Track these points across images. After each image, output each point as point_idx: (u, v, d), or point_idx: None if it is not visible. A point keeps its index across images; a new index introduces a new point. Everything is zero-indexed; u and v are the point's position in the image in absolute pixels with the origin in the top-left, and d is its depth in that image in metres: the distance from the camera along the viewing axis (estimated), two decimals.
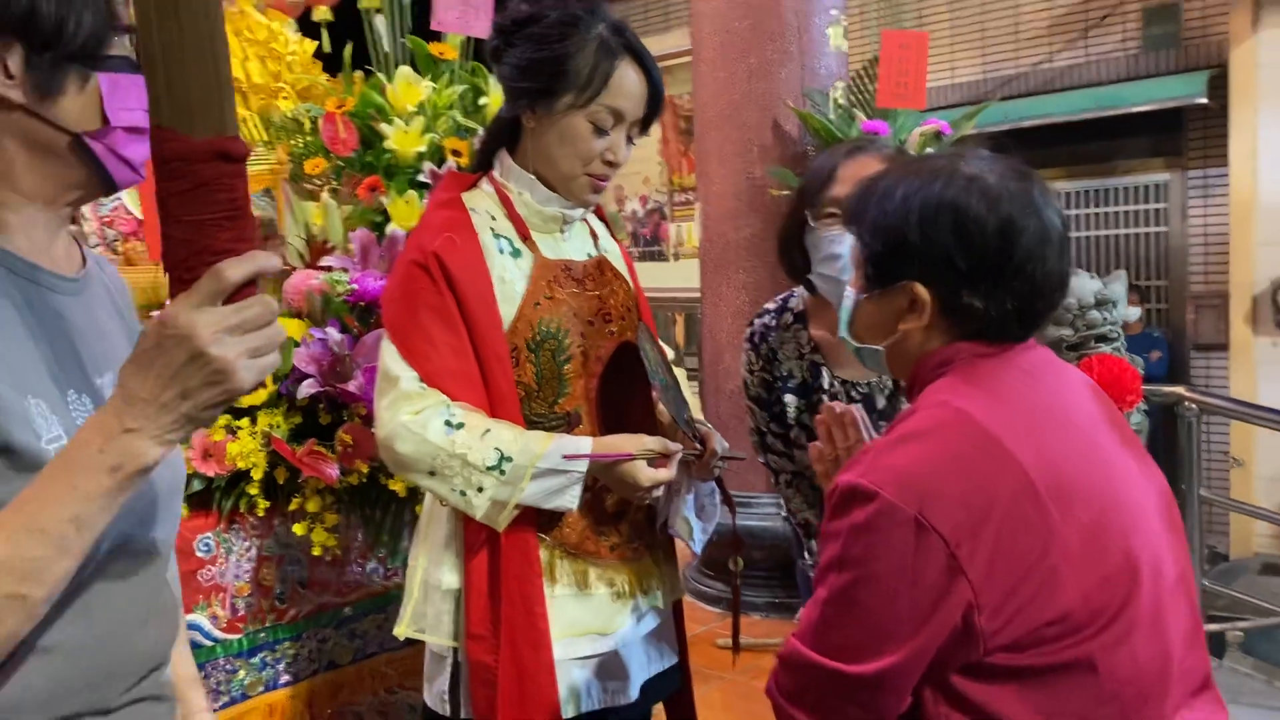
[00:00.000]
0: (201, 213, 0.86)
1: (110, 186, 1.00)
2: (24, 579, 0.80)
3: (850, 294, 1.29)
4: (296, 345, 1.91)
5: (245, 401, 1.85)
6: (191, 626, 1.86)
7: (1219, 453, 5.62)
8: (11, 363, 0.89)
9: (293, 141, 3.14)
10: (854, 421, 1.44)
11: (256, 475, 1.89)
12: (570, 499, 1.54)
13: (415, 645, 1.67)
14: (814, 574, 1.76)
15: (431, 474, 1.51)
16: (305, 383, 1.92)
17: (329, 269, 2.13)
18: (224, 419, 1.86)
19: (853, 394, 1.88)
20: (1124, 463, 1.17)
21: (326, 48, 3.59)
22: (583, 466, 1.52)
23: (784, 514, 2.14)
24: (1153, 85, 5.94)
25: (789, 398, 1.93)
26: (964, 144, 3.99)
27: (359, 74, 2.89)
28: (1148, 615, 1.09)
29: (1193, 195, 6.05)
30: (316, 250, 2.17)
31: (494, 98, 2.86)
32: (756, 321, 2.02)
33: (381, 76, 2.81)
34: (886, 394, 1.86)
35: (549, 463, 1.51)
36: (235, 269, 0.82)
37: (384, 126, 2.62)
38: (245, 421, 1.89)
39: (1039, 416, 1.14)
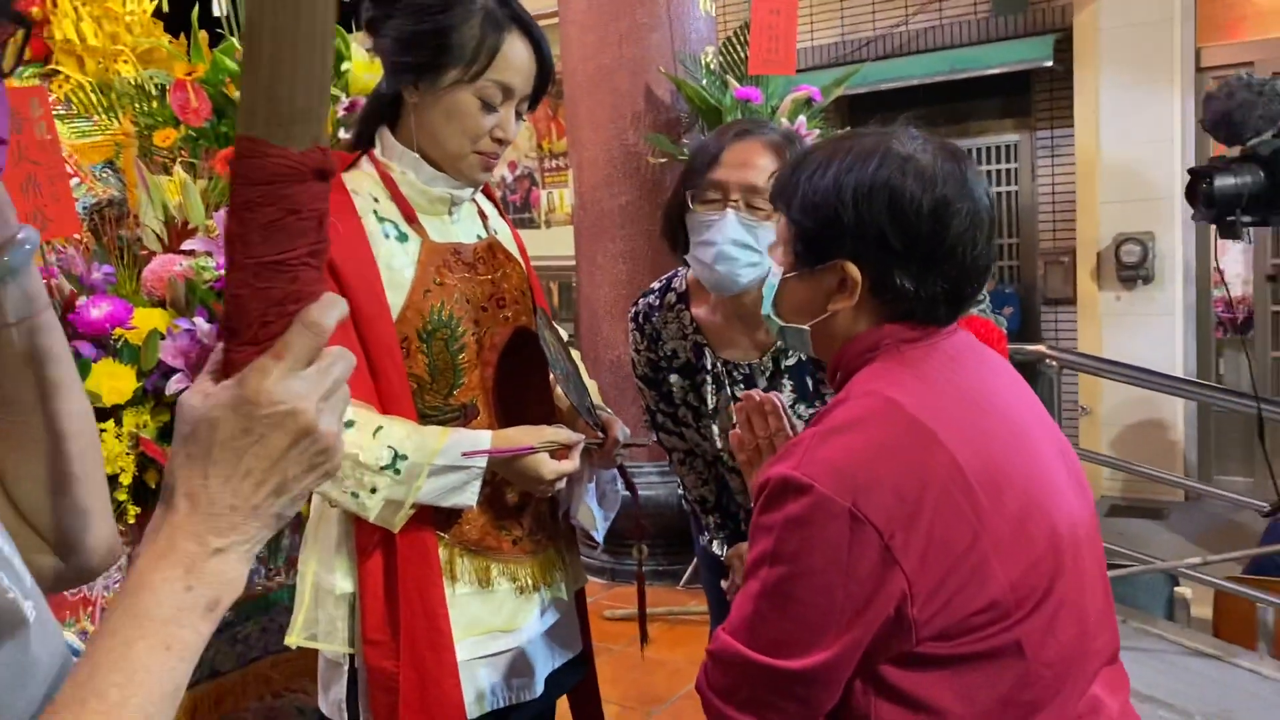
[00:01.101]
0: (289, 248, 0.64)
1: None
2: None
3: (776, 271, 1.26)
4: (161, 338, 1.77)
5: (108, 401, 1.71)
6: None
7: (1069, 402, 5.90)
8: None
9: (138, 109, 2.93)
10: (775, 409, 1.42)
11: (125, 480, 1.75)
12: (469, 496, 1.48)
13: (302, 648, 1.58)
14: (741, 566, 1.77)
15: None
16: (174, 378, 1.78)
17: (192, 253, 1.98)
18: None
19: (734, 374, 1.87)
20: (1041, 443, 1.19)
21: (165, 8, 3.39)
22: (482, 462, 1.46)
23: (680, 491, 2.13)
24: (1002, 48, 6.12)
25: (674, 378, 1.91)
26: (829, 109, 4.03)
27: (204, 34, 2.72)
28: (1070, 597, 1.11)
29: (1040, 155, 6.29)
30: (176, 233, 2.02)
31: (355, 63, 2.73)
32: (640, 301, 1.99)
33: (234, 40, 2.64)
34: (767, 375, 1.86)
35: (446, 459, 1.45)
36: (328, 315, 0.66)
37: (239, 94, 2.46)
38: (110, 423, 1.74)
39: (966, 403, 1.14)
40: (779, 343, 1.82)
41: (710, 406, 1.87)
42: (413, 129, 1.54)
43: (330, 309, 0.66)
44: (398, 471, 1.42)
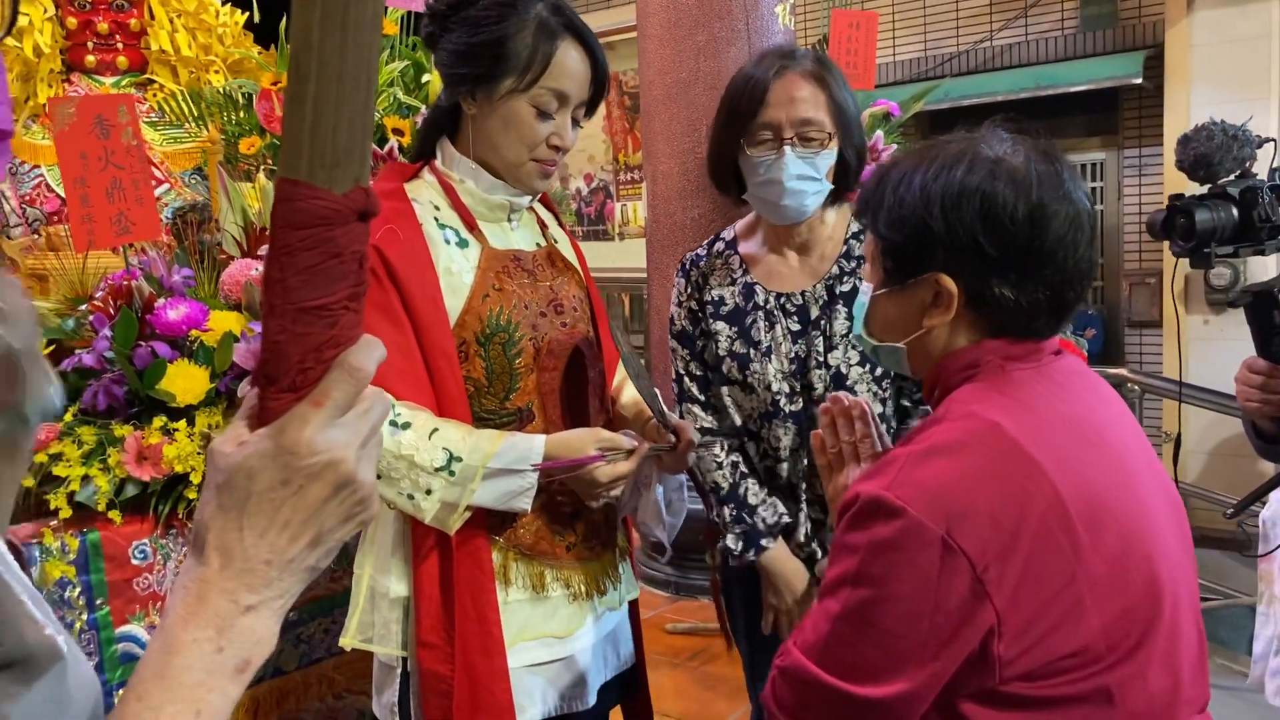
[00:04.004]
0: (330, 292, 0.62)
1: None
2: None
3: (866, 289, 1.22)
4: (236, 340, 1.82)
5: (182, 401, 1.76)
6: (129, 638, 1.77)
7: (1151, 428, 5.73)
8: None
9: (225, 118, 3.03)
10: (863, 414, 1.35)
11: (195, 479, 1.79)
12: (524, 500, 1.48)
13: (363, 650, 1.61)
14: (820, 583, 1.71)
15: (377, 477, 1.44)
16: (246, 380, 1.83)
17: None
18: (160, 420, 1.76)
19: (787, 307, 1.82)
20: (1145, 481, 1.11)
21: (257, 19, 3.49)
22: (538, 460, 1.47)
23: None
24: (1090, 65, 5.99)
25: (719, 325, 1.84)
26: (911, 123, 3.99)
27: None
28: (1164, 646, 1.05)
29: (1128, 174, 6.13)
30: (255, 237, 2.08)
31: (436, 75, 2.79)
32: (688, 255, 1.97)
33: None
34: (820, 304, 1.81)
35: (501, 462, 1.46)
36: (368, 360, 0.63)
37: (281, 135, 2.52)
38: (182, 423, 1.79)
39: (1070, 433, 1.07)
40: (833, 269, 1.80)
41: (765, 346, 1.81)
42: (471, 139, 1.57)
43: (370, 352, 0.64)
44: (453, 473, 1.43)
